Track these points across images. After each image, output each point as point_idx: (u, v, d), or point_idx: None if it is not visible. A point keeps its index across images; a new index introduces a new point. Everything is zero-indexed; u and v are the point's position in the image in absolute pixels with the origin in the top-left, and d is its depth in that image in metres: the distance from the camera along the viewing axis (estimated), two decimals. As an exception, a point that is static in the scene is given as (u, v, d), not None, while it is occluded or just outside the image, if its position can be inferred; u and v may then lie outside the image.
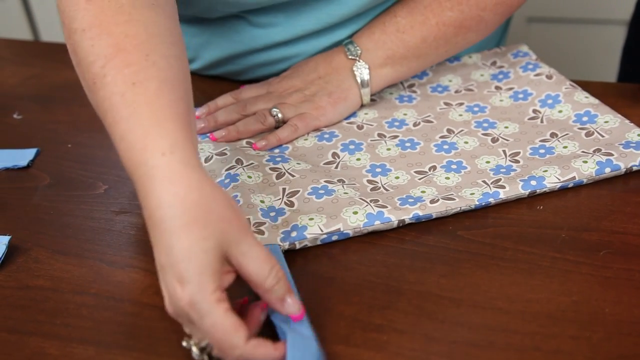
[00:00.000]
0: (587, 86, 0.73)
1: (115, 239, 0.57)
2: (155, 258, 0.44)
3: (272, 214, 0.56)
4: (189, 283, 0.42)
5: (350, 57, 0.68)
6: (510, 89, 0.72)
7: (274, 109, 0.67)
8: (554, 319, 0.47)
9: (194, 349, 0.44)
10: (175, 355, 0.46)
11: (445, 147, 0.64)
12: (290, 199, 0.58)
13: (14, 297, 0.52)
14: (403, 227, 0.56)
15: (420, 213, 0.55)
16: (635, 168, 0.59)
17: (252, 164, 0.62)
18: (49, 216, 0.60)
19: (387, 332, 0.47)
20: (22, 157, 0.68)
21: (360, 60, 0.68)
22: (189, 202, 0.43)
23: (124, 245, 0.57)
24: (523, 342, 0.46)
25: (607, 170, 0.58)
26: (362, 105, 0.70)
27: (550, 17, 1.52)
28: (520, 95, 0.71)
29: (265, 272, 0.44)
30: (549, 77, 0.72)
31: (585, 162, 0.59)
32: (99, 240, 0.57)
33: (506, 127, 0.66)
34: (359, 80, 0.68)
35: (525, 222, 0.56)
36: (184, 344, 0.45)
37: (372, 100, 0.72)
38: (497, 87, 0.73)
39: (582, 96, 0.68)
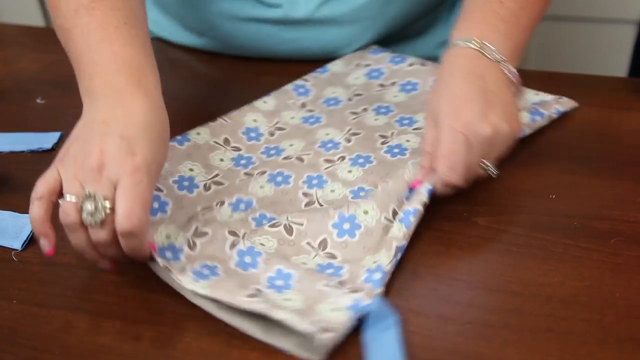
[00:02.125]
0: (598, 80, 0.75)
1: (138, 220, 0.59)
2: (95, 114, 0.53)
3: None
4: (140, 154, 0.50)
5: (493, 58, 0.59)
6: (394, 83, 0.73)
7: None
8: (566, 302, 0.49)
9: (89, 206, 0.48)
10: (200, 332, 0.48)
11: (396, 150, 0.63)
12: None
13: (42, 272, 0.54)
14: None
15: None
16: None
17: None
18: (74, 197, 0.62)
19: (404, 312, 0.49)
20: (46, 140, 0.70)
21: (505, 62, 0.59)
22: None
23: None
24: (536, 324, 0.47)
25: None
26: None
27: (558, 15, 1.53)
28: (409, 87, 0.72)
29: None
30: (423, 64, 0.74)
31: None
32: (123, 221, 0.59)
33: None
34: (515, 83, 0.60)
35: (538, 210, 0.58)
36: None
37: (279, 128, 0.69)
38: (381, 85, 0.74)
39: None
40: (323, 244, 0.54)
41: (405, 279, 0.52)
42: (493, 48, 0.58)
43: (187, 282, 0.49)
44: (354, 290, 0.49)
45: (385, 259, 0.51)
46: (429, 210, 0.58)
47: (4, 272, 0.54)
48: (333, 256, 0.53)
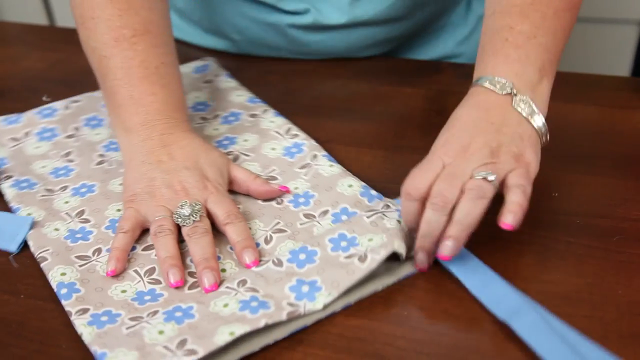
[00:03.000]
0: (600, 80, 0.76)
1: (144, 217, 0.59)
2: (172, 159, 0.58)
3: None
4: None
5: (503, 93, 0.54)
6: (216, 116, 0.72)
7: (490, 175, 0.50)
8: (568, 299, 0.49)
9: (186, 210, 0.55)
10: (205, 326, 0.48)
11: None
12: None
13: (49, 268, 0.54)
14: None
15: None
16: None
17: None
18: (80, 194, 0.63)
19: (408, 308, 0.49)
20: (51, 137, 0.70)
21: (518, 94, 0.54)
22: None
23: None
24: (538, 320, 0.48)
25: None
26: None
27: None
28: (231, 118, 0.71)
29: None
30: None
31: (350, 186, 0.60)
32: (129, 217, 0.59)
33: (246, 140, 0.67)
34: (525, 115, 0.54)
35: (540, 208, 0.58)
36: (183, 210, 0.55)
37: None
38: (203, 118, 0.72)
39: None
40: (310, 216, 0.58)
41: (409, 275, 0.52)
42: (503, 81, 0.54)
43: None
44: (385, 207, 0.56)
45: (360, 183, 0.60)
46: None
47: (12, 268, 0.55)
48: (326, 213, 0.58)
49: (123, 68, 0.60)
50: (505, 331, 0.47)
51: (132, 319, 0.49)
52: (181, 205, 0.55)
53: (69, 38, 0.94)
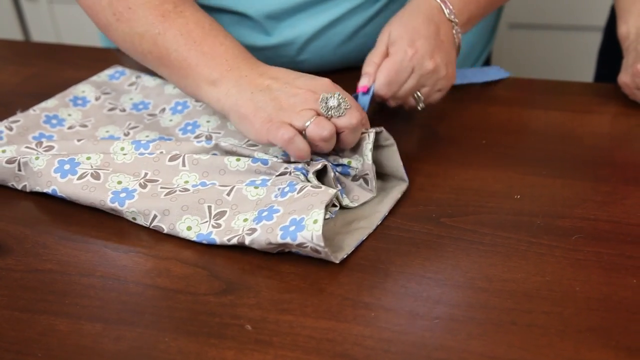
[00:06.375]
0: (566, 86, 0.78)
1: (118, 226, 0.61)
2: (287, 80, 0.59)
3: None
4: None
5: (449, 18, 0.68)
6: (163, 110, 0.74)
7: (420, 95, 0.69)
8: (529, 296, 0.51)
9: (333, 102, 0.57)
10: (178, 332, 0.50)
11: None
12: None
13: (24, 279, 0.55)
14: (390, 215, 0.60)
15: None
16: None
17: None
18: (56, 206, 0.64)
19: (375, 309, 0.51)
20: (26, 151, 0.71)
21: (457, 26, 0.69)
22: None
23: (127, 232, 0.60)
24: (500, 317, 0.50)
25: None
26: None
27: (531, 23, 1.57)
28: (180, 107, 0.74)
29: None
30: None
31: None
32: (104, 228, 0.61)
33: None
34: (457, 43, 0.70)
35: (503, 210, 0.60)
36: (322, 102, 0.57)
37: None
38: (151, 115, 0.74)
39: None
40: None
41: (376, 277, 0.54)
42: (452, 9, 0.68)
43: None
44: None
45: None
46: (399, 212, 0.60)
47: (-13, 280, 0.56)
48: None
49: (182, 34, 0.62)
50: (468, 329, 0.49)
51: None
52: (324, 99, 0.56)
53: (43, 53, 0.95)
